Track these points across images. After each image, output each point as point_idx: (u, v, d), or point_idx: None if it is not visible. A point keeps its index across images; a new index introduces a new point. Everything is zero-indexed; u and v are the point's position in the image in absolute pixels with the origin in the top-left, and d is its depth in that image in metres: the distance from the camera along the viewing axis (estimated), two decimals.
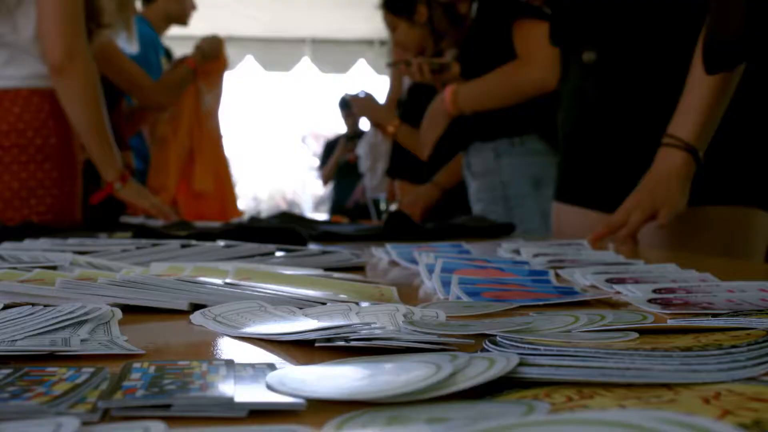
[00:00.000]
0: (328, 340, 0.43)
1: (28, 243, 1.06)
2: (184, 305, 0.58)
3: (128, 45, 2.44)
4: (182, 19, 2.83)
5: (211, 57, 2.60)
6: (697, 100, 1.16)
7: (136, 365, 0.38)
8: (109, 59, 2.30)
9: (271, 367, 0.37)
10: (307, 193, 10.24)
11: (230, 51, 6.56)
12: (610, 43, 1.41)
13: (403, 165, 2.68)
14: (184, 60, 2.57)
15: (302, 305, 0.57)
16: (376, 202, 4.07)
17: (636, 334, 0.41)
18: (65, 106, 1.72)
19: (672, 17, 1.33)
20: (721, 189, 1.26)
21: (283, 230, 1.20)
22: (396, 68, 2.20)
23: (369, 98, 2.75)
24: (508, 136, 1.94)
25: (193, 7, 2.83)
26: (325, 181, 5.15)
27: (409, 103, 2.71)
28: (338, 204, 4.79)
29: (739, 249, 1.26)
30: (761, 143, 1.30)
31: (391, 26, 2.69)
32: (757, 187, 1.29)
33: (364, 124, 2.81)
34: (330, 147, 5.24)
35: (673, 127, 1.19)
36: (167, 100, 2.50)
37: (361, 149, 3.55)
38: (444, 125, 1.99)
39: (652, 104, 1.35)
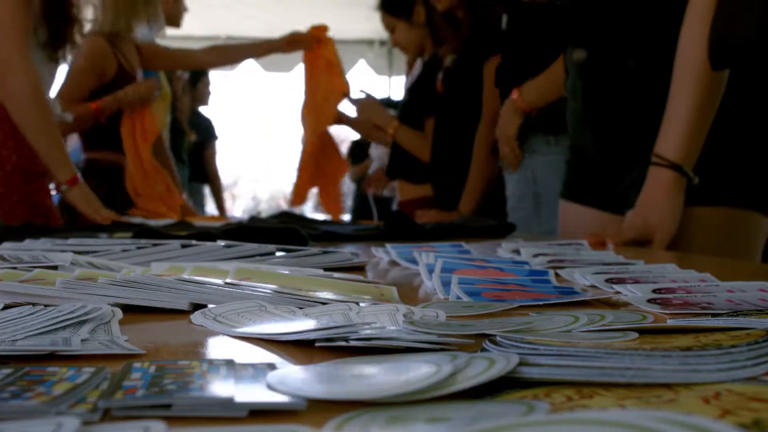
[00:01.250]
0: (328, 339, 0.43)
1: (28, 243, 1.07)
2: (184, 305, 0.58)
3: (153, 33, 2.47)
4: (176, 21, 2.84)
5: (135, 104, 2.44)
6: (679, 115, 1.17)
7: (137, 365, 0.38)
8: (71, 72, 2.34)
9: (272, 366, 0.37)
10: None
11: None
12: (599, 41, 1.42)
13: (402, 165, 2.68)
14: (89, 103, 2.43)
15: (302, 305, 0.57)
16: (379, 200, 4.05)
17: (636, 334, 0.41)
18: (11, 114, 1.83)
19: (659, 16, 1.33)
20: (714, 190, 1.27)
21: (283, 230, 1.20)
22: None
23: (369, 99, 2.74)
24: (543, 133, 1.94)
25: (184, 8, 2.84)
26: (355, 179, 5.07)
27: (408, 104, 2.72)
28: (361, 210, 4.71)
29: (732, 250, 1.26)
30: (755, 145, 1.30)
31: (389, 27, 2.70)
32: (751, 189, 1.29)
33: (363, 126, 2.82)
34: (359, 147, 5.16)
35: (658, 146, 1.21)
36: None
37: (374, 149, 3.56)
38: (518, 119, 1.98)
39: (639, 102, 1.36)
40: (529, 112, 1.96)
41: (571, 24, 1.47)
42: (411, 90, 2.70)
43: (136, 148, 2.47)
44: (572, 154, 1.56)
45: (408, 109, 2.68)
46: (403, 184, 2.73)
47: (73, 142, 2.64)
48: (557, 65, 1.89)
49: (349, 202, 5.38)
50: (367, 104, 2.71)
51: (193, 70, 4.99)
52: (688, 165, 1.19)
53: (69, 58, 2.12)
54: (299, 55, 2.93)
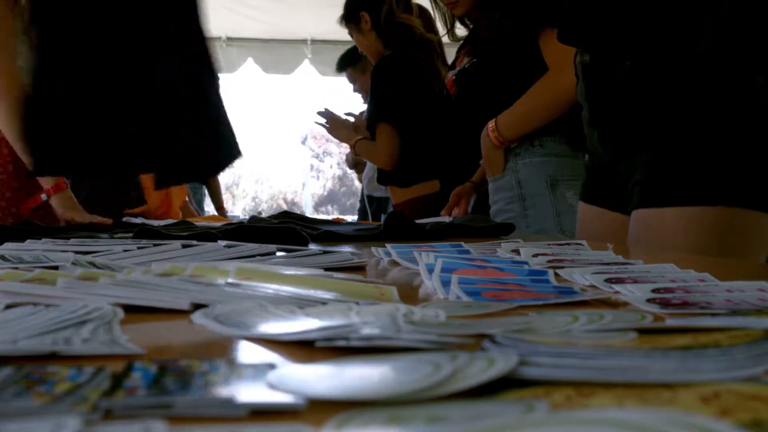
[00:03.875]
0: (328, 339, 0.43)
1: (29, 243, 1.07)
2: (185, 305, 0.58)
3: None
4: None
5: None
6: None
7: (138, 365, 0.38)
8: None
9: (272, 366, 0.37)
10: (307, 193, 10.24)
11: (231, 52, 6.53)
12: (597, 42, 1.42)
13: (389, 172, 2.78)
14: None
15: (303, 305, 0.57)
16: (371, 199, 4.06)
17: (635, 334, 0.42)
18: None
19: (654, 14, 1.33)
20: (706, 189, 1.26)
21: (283, 230, 1.20)
22: None
23: (332, 117, 2.86)
24: (529, 139, 1.95)
25: None
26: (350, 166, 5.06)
27: (369, 112, 2.82)
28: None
29: (729, 251, 1.25)
30: (747, 143, 1.30)
31: (350, 35, 2.80)
32: (743, 187, 1.28)
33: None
34: None
35: None
36: None
37: None
38: (500, 156, 1.98)
39: (638, 101, 1.36)
40: (506, 145, 1.96)
41: (573, 26, 1.47)
42: (370, 99, 2.79)
43: None
44: (589, 158, 1.58)
45: (369, 117, 2.78)
46: (393, 188, 2.84)
47: None
48: (533, 93, 1.90)
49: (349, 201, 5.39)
50: (330, 122, 2.84)
51: None
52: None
53: None
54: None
